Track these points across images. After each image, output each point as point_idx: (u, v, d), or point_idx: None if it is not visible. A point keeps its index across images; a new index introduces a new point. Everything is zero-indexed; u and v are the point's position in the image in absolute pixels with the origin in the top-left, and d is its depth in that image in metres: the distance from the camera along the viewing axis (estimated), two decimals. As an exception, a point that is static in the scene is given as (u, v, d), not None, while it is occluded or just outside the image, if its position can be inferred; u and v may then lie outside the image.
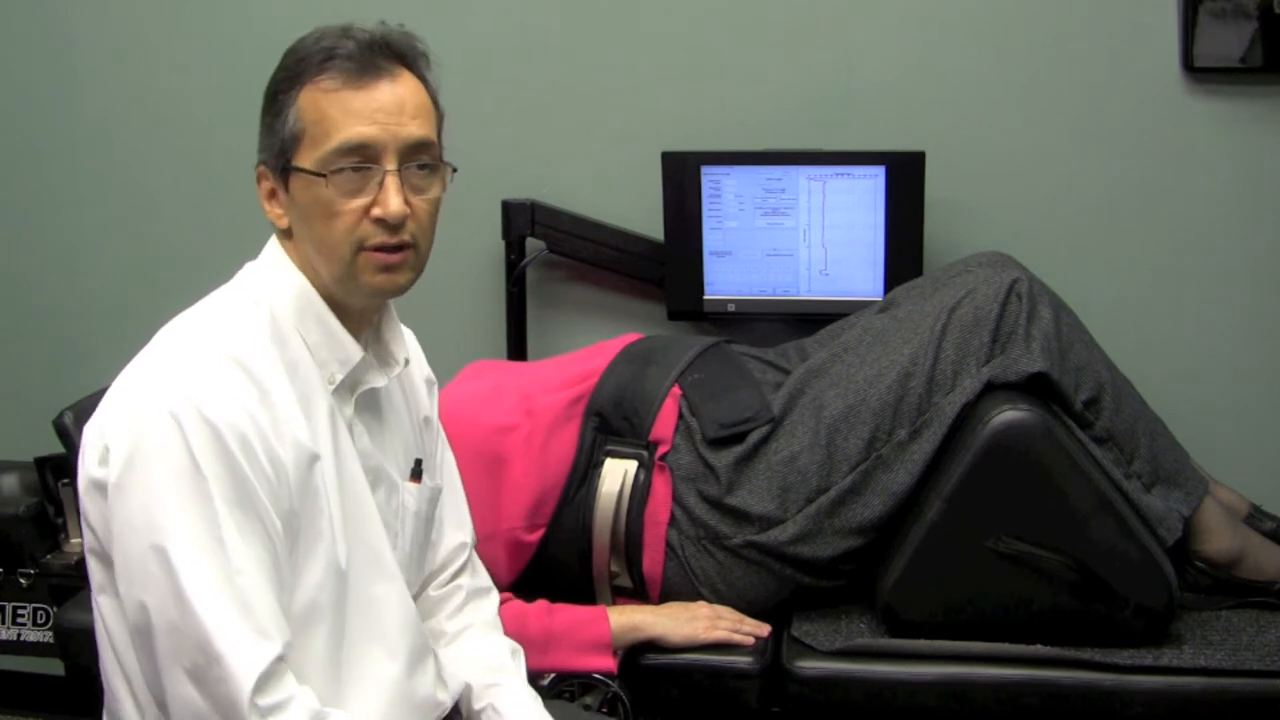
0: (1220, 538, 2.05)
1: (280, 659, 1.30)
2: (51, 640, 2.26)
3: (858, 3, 2.45)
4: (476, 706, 1.60)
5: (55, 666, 2.24)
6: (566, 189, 2.52)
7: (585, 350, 2.22)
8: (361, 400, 1.49)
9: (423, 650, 1.53)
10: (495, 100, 2.55)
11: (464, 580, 1.70)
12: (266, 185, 1.44)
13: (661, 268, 2.47)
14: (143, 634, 1.31)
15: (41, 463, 2.26)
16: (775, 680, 1.95)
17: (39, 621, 2.35)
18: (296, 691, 1.31)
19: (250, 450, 1.32)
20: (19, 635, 2.36)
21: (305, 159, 1.39)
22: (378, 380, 1.50)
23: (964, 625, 1.93)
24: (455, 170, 1.47)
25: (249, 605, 1.29)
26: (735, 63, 2.49)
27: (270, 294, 1.44)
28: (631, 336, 2.24)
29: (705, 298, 2.44)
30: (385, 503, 1.51)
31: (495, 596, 1.75)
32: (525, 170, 2.54)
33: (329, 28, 1.43)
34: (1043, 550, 1.88)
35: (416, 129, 1.41)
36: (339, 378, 1.45)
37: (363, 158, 1.38)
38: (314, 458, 1.39)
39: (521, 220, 2.50)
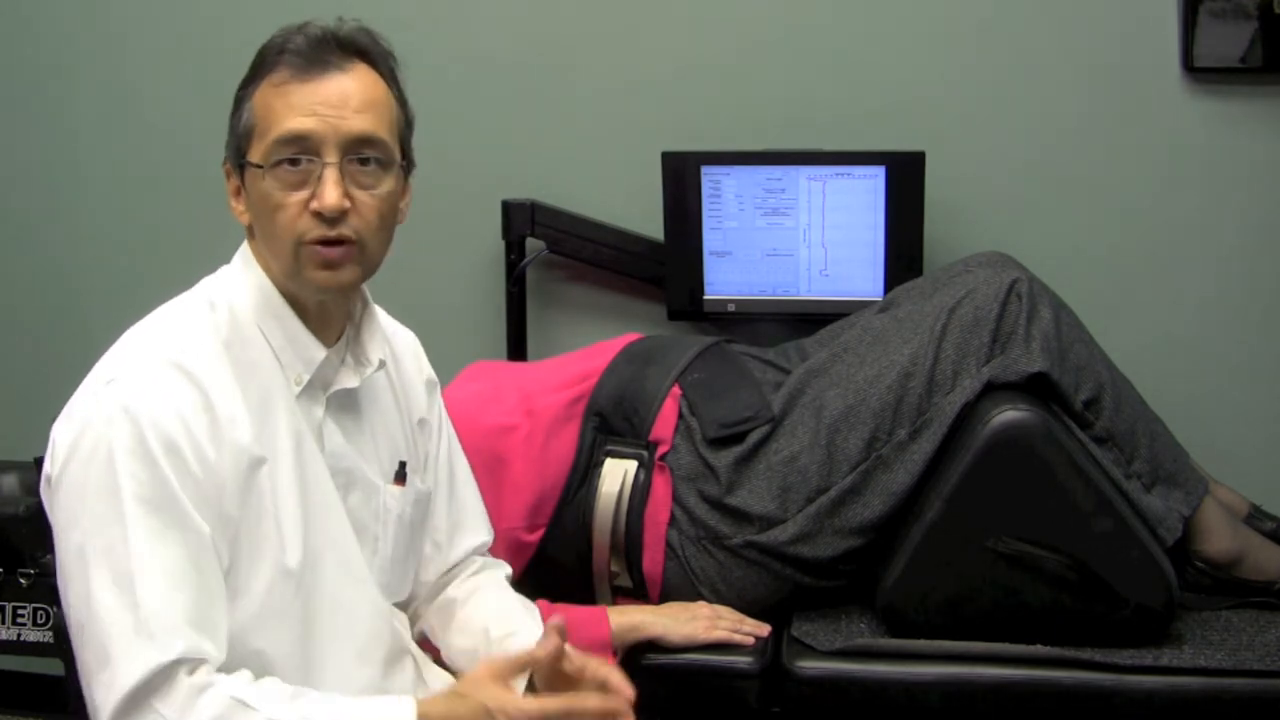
0: (1220, 538, 2.05)
1: (177, 663, 1.26)
2: (51, 640, 2.27)
3: (858, 3, 2.45)
4: (495, 635, 1.60)
5: (55, 666, 2.23)
6: (566, 189, 2.52)
7: (585, 350, 2.22)
8: (335, 401, 1.48)
9: (399, 653, 1.52)
10: (495, 100, 2.55)
11: (478, 561, 1.72)
12: (232, 183, 1.45)
13: (661, 268, 2.47)
14: (71, 633, 1.31)
15: (41, 463, 2.25)
16: (775, 680, 1.95)
17: (39, 621, 2.35)
18: (197, 700, 1.26)
19: (176, 453, 1.30)
20: (19, 635, 2.36)
21: (254, 153, 1.39)
22: (349, 380, 1.49)
23: (964, 625, 1.93)
24: (408, 172, 1.46)
25: (147, 610, 1.26)
26: (735, 63, 2.49)
27: (232, 295, 1.44)
28: (631, 336, 2.24)
29: (705, 298, 2.44)
30: (363, 505, 1.50)
31: (506, 567, 1.76)
32: (525, 170, 2.54)
33: (290, 26, 1.43)
34: (1043, 550, 1.88)
35: (361, 123, 1.38)
36: (305, 378, 1.44)
37: (301, 149, 1.37)
38: (258, 461, 1.37)
39: (521, 220, 2.50)
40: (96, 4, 2.67)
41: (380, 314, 1.58)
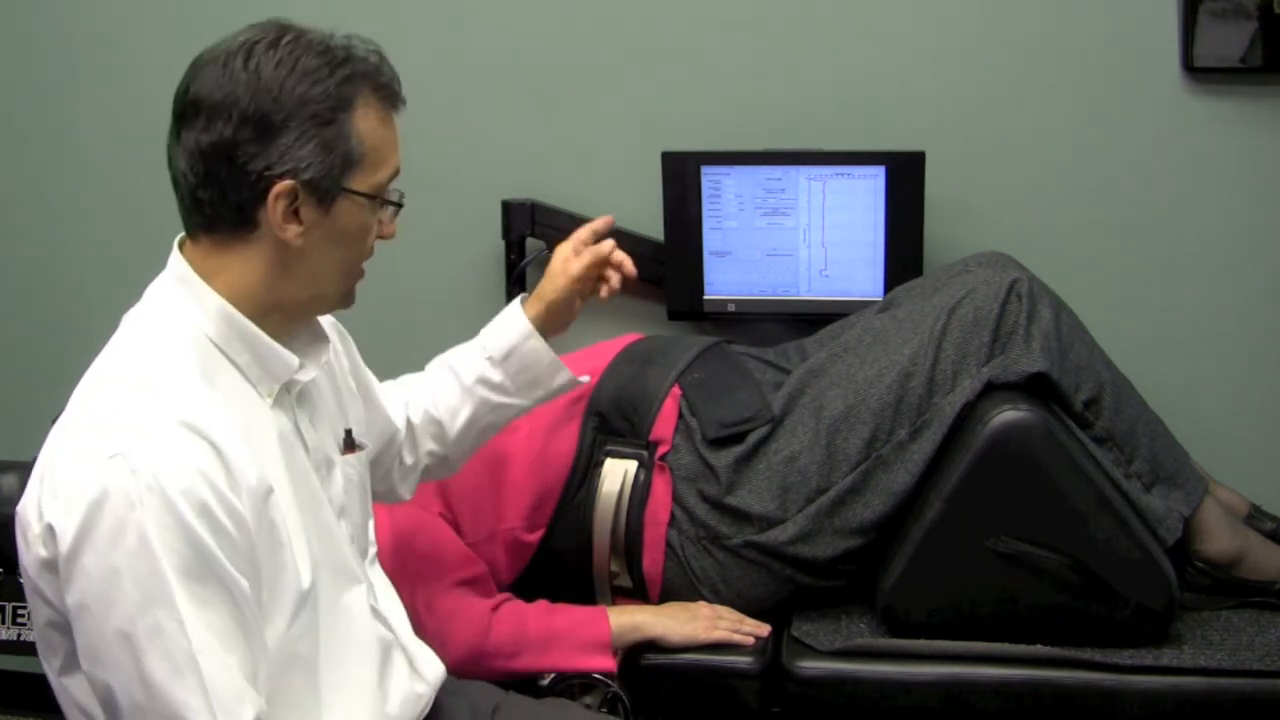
0: (1220, 538, 2.05)
1: None
2: (51, 640, 2.26)
3: (858, 3, 2.45)
4: (498, 379, 1.82)
5: (55, 667, 2.23)
6: (566, 189, 2.52)
7: (585, 350, 2.22)
8: (299, 397, 1.47)
9: (388, 644, 1.52)
10: (495, 101, 2.55)
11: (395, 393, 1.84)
12: (289, 201, 1.34)
13: (661, 268, 2.46)
14: (110, 710, 1.28)
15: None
16: (775, 680, 1.95)
17: (39, 622, 2.35)
18: None
19: (209, 515, 1.25)
20: (19, 635, 2.36)
21: (361, 183, 1.38)
22: (309, 372, 1.46)
23: (964, 625, 1.93)
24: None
25: (213, 683, 1.23)
26: (735, 63, 2.48)
27: (193, 325, 1.36)
28: (631, 336, 2.24)
29: (705, 298, 2.44)
30: (333, 487, 1.50)
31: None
32: (525, 170, 2.54)
33: (357, 48, 1.40)
34: (1043, 550, 1.88)
35: None
36: (276, 389, 1.41)
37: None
38: (268, 491, 1.34)
39: (521, 220, 2.49)
40: (97, 4, 2.67)
41: None
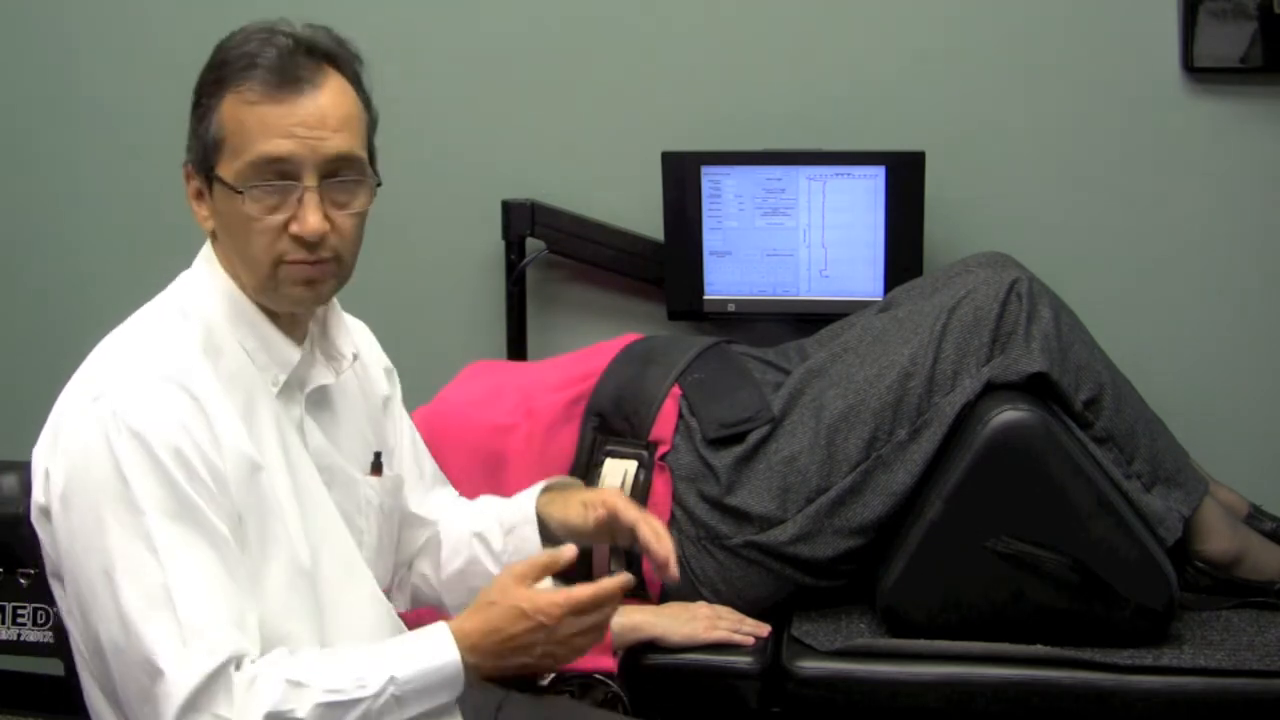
0: (1220, 538, 2.05)
1: (227, 664, 1.26)
2: (51, 640, 2.26)
3: (858, 3, 2.45)
4: (496, 548, 1.63)
5: (55, 666, 2.23)
6: (566, 189, 2.52)
7: (585, 350, 2.22)
8: (312, 398, 1.48)
9: (399, 631, 1.52)
10: (495, 101, 2.55)
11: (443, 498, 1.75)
12: (194, 185, 1.41)
13: (661, 268, 2.47)
14: (99, 658, 1.31)
15: (41, 465, 2.26)
16: (775, 680, 1.95)
17: (39, 621, 2.35)
18: (251, 692, 1.26)
19: (185, 462, 1.29)
20: (19, 635, 2.36)
21: (225, 170, 1.37)
22: (325, 377, 1.49)
23: (964, 625, 1.93)
24: (380, 184, 1.44)
25: (188, 618, 1.25)
26: (735, 63, 2.49)
27: (202, 305, 1.41)
28: (631, 336, 2.24)
29: (705, 298, 2.44)
30: (345, 500, 1.50)
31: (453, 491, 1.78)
32: (525, 170, 2.54)
33: (256, 27, 1.39)
34: (1043, 550, 1.88)
35: (338, 143, 1.37)
36: (282, 379, 1.43)
37: (280, 174, 1.35)
38: (256, 467, 1.36)
39: (521, 220, 2.49)
40: (97, 2, 2.67)
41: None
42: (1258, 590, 2.05)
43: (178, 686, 1.24)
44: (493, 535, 1.65)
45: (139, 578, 1.26)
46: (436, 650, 1.33)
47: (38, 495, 1.35)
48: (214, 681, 1.25)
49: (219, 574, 1.29)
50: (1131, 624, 1.90)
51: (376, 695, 1.29)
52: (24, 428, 2.31)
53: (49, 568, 1.38)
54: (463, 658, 1.33)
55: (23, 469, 2.30)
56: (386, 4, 2.48)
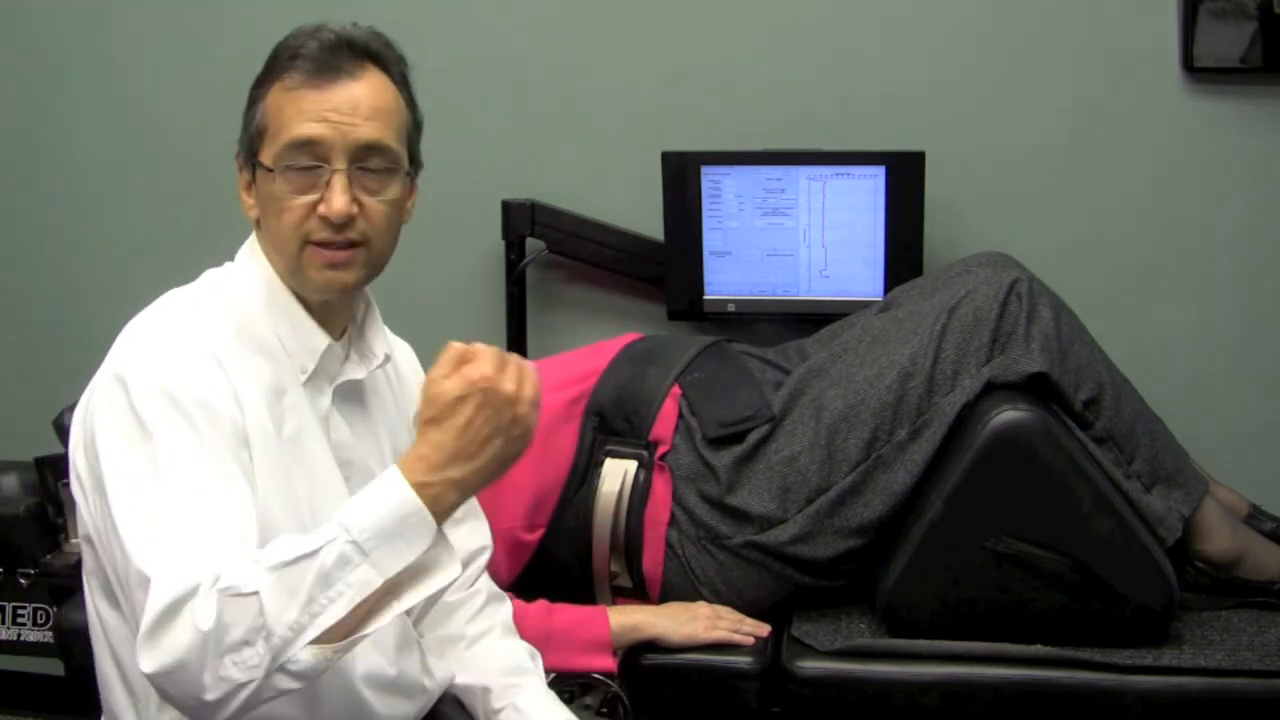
0: (1220, 538, 2.05)
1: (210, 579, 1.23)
2: (51, 640, 2.26)
3: (857, 3, 2.45)
4: (496, 706, 1.58)
5: (55, 666, 2.23)
6: (566, 189, 2.52)
7: (585, 350, 2.22)
8: (342, 392, 1.50)
9: (408, 640, 1.53)
10: (495, 101, 2.55)
11: (483, 584, 1.68)
12: (243, 177, 1.47)
13: (661, 268, 2.47)
14: (113, 601, 1.36)
15: (41, 463, 2.26)
16: (775, 680, 1.95)
17: (39, 621, 2.35)
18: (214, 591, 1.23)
19: (192, 393, 1.33)
20: (19, 635, 2.36)
21: (265, 155, 1.42)
22: (356, 372, 1.51)
23: (964, 625, 1.93)
24: (414, 174, 1.49)
25: (181, 536, 1.26)
26: (735, 63, 2.48)
27: (238, 285, 1.46)
28: (631, 336, 2.24)
29: (705, 298, 2.44)
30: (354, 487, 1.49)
31: (509, 602, 1.73)
32: (525, 170, 2.54)
33: (305, 27, 1.45)
34: (1042, 550, 1.88)
35: (369, 131, 1.41)
36: (310, 367, 1.46)
37: (311, 156, 1.40)
38: (274, 438, 1.39)
39: (521, 220, 2.49)
40: (97, 2, 2.67)
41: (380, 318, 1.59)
42: (1258, 590, 2.05)
43: (160, 594, 1.23)
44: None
45: (136, 499, 1.29)
46: (385, 489, 1.25)
47: (72, 455, 1.40)
48: (195, 594, 1.22)
49: (225, 504, 1.30)
50: (1131, 624, 1.90)
51: (329, 544, 1.22)
52: (24, 428, 2.33)
53: (82, 530, 1.42)
54: (421, 488, 1.25)
55: (23, 468, 2.32)
56: (387, 4, 2.48)
